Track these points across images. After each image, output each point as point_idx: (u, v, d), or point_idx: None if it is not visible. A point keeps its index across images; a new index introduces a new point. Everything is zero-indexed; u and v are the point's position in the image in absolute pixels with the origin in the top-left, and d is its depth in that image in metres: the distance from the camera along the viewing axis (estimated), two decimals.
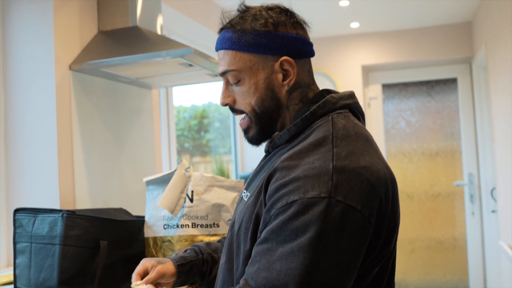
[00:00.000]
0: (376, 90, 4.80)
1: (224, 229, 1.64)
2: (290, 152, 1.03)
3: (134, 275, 1.22)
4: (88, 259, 1.51)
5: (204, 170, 4.18)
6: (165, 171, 1.70)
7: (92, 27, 2.08)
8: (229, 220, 1.65)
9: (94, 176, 2.03)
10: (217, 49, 1.17)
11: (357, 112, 1.16)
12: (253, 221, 1.04)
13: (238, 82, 1.14)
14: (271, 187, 1.00)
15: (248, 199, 1.10)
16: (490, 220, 4.28)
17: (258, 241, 0.98)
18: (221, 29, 1.17)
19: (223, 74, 1.15)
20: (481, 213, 4.46)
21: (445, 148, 4.65)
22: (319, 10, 3.85)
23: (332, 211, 0.90)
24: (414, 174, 4.73)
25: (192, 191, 1.64)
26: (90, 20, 2.07)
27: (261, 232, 0.99)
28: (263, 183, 1.04)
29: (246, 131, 1.18)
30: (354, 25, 4.27)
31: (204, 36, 3.34)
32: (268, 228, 0.96)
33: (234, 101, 1.17)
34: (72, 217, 1.50)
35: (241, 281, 0.95)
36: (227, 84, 1.17)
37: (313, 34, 1.20)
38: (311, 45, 1.17)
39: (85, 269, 1.51)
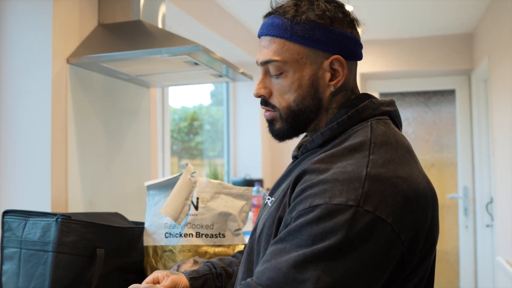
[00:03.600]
0: None
1: (230, 240, 1.53)
2: (323, 155, 0.94)
3: (144, 282, 1.16)
4: (83, 268, 1.39)
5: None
6: (169, 176, 1.59)
7: (92, 19, 1.96)
8: (236, 230, 1.55)
9: (88, 177, 1.91)
10: (261, 35, 1.05)
11: (397, 121, 1.07)
12: (275, 227, 0.95)
13: (280, 74, 1.02)
14: (298, 189, 0.91)
15: (272, 205, 1.01)
16: (484, 234, 4.22)
17: (273, 240, 0.89)
18: (269, 14, 1.05)
19: (264, 63, 1.04)
20: (475, 227, 4.40)
21: (441, 160, 4.59)
22: None
23: (358, 222, 0.81)
24: None
25: (198, 198, 1.52)
26: (90, 12, 1.95)
27: (280, 233, 0.90)
28: (289, 185, 0.95)
29: (271, 123, 1.07)
30: None
31: (204, 36, 3.23)
32: (286, 229, 0.87)
33: (270, 94, 1.05)
34: (68, 222, 1.38)
35: (247, 279, 0.88)
36: (266, 74, 1.06)
37: None
38: (362, 47, 1.07)
39: (79, 278, 1.38)
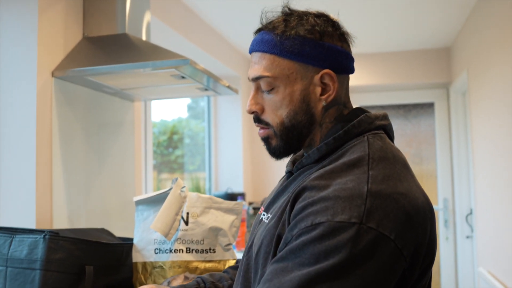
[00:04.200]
0: None
1: (220, 255, 1.51)
2: (321, 171, 0.93)
3: None
4: (71, 286, 1.35)
5: None
6: (158, 191, 1.56)
7: (76, 32, 1.93)
8: (227, 245, 1.53)
9: (73, 192, 1.87)
10: (252, 51, 1.05)
11: (391, 134, 1.07)
12: (274, 244, 0.93)
13: (271, 90, 1.02)
14: (298, 206, 0.90)
15: (269, 221, 0.99)
16: (464, 245, 4.27)
17: (274, 259, 0.88)
18: (259, 30, 1.05)
19: (255, 79, 1.04)
20: (455, 239, 4.45)
21: (421, 172, 4.63)
22: None
23: (361, 239, 0.81)
24: None
25: (188, 213, 1.50)
26: (74, 25, 1.92)
27: (280, 252, 0.89)
28: (288, 202, 0.94)
29: (266, 141, 1.07)
30: None
31: (186, 49, 3.22)
32: (287, 247, 0.86)
33: (263, 110, 1.05)
34: (56, 239, 1.34)
35: None
36: (257, 90, 1.05)
37: None
38: (353, 60, 1.07)
39: None
